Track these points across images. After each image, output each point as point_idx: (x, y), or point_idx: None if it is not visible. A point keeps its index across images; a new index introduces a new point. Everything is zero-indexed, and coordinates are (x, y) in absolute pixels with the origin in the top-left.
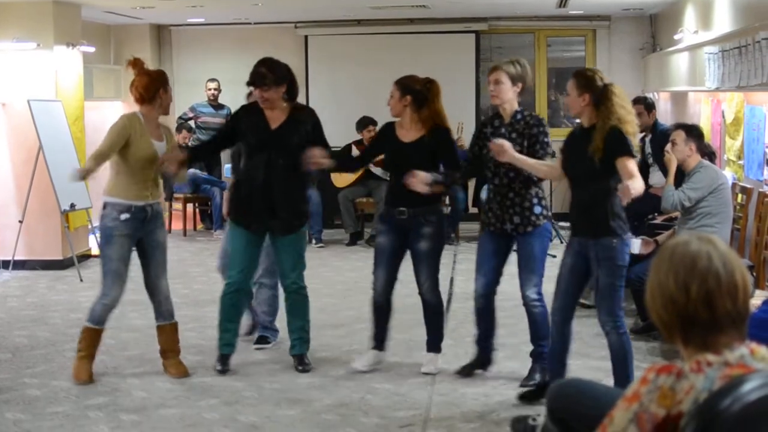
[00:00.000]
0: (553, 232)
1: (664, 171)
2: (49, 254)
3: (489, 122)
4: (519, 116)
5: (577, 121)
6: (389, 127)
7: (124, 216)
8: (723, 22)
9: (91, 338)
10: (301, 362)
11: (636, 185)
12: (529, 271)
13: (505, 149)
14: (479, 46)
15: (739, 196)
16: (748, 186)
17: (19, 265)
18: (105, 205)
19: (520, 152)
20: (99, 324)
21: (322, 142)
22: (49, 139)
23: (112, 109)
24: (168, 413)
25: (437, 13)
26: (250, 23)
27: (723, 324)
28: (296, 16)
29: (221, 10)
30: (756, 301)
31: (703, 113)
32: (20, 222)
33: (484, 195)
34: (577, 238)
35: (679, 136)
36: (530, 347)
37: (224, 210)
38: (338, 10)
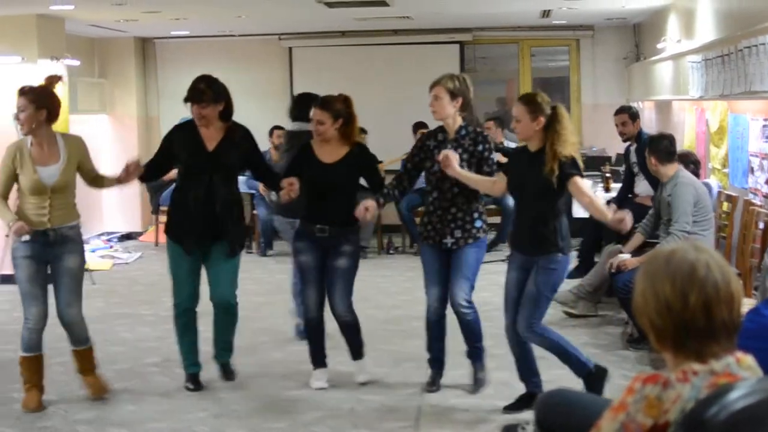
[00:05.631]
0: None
1: (650, 180)
2: None
3: (433, 135)
4: (464, 132)
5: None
6: (307, 148)
7: (25, 238)
8: (706, 30)
9: (29, 367)
10: (226, 371)
11: (597, 203)
12: (461, 277)
13: (452, 162)
14: (464, 56)
15: (725, 204)
16: (734, 194)
17: (6, 279)
18: None
19: (466, 168)
20: (30, 351)
21: (263, 163)
22: None
23: (98, 123)
24: (157, 427)
25: (421, 24)
26: (234, 35)
27: (718, 332)
28: (280, 28)
29: (205, 23)
30: (742, 309)
31: (687, 122)
32: (7, 236)
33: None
34: (521, 253)
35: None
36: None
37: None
38: (322, 22)
